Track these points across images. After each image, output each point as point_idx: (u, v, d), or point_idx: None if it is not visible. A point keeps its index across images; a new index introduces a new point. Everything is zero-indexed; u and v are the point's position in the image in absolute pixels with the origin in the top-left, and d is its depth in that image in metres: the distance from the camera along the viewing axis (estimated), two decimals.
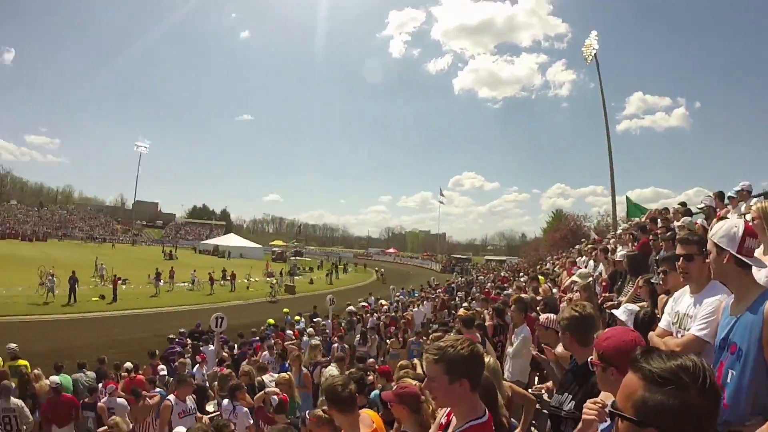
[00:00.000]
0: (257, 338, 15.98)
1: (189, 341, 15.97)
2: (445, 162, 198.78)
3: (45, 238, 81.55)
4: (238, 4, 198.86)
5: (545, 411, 4.40)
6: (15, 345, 11.91)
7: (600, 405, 2.24)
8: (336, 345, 13.65)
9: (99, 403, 9.39)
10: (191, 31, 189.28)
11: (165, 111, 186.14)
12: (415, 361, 8.24)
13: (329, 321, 19.84)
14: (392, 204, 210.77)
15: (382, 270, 65.13)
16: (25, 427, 8.61)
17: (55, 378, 9.84)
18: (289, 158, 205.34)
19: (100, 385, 10.28)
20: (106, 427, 8.03)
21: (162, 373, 11.18)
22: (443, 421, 2.75)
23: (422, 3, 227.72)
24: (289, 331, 17.34)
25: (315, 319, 20.00)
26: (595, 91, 52.21)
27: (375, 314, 20.28)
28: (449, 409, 2.68)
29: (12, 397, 8.60)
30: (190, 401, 7.94)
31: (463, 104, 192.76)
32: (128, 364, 11.69)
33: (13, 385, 9.36)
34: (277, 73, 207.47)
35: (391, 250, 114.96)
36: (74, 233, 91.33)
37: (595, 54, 47.76)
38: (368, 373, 8.25)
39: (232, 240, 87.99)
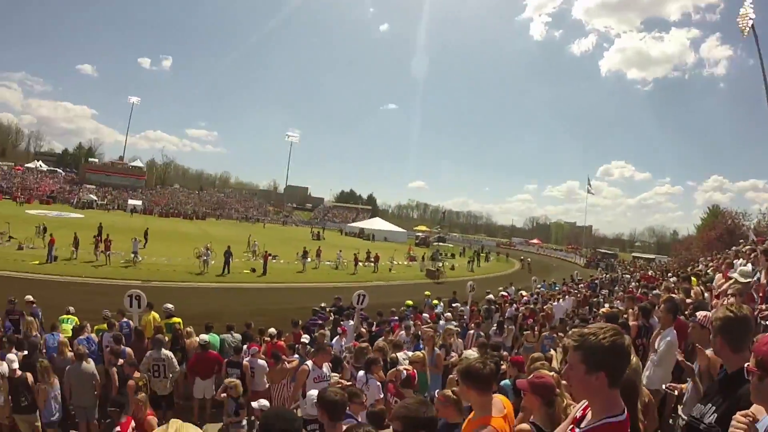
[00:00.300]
0: (396, 318, 15.92)
1: (331, 314, 16.30)
2: (593, 150, 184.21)
3: (204, 218, 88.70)
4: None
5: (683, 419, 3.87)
6: (171, 305, 12.82)
7: (751, 419, 2.03)
8: (472, 332, 13.30)
9: (243, 362, 9.85)
10: (335, 27, 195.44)
11: (313, 103, 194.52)
12: (551, 352, 7.74)
13: (467, 308, 19.33)
14: (537, 193, 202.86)
15: (529, 259, 63.17)
16: (171, 375, 9.24)
17: (204, 336, 10.54)
18: (433, 146, 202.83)
19: (244, 346, 10.72)
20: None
21: (304, 341, 11.42)
22: (578, 414, 2.49)
23: None
24: (425, 315, 17.15)
25: (453, 305, 19.67)
26: (755, 68, 46.01)
27: (514, 305, 19.54)
28: (586, 402, 2.35)
29: (163, 349, 9.25)
30: (326, 368, 7.95)
31: (610, 87, 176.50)
32: (272, 330, 12.12)
33: (167, 338, 10.12)
34: (417, 64, 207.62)
35: (535, 241, 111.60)
36: (230, 214, 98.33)
37: (752, 25, 40.77)
38: (501, 362, 7.88)
39: (377, 224, 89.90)
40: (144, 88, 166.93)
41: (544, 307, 18.64)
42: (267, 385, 9.59)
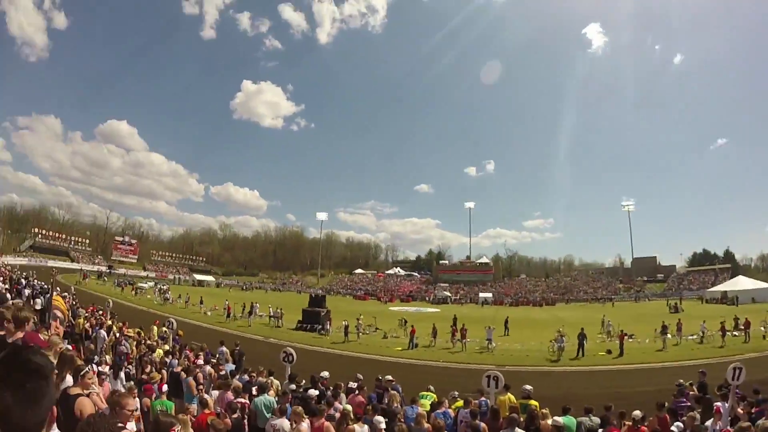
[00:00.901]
0: None
1: (697, 392, 14.16)
2: None
3: (553, 303, 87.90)
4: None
5: None
6: (530, 387, 12.55)
7: None
8: None
9: None
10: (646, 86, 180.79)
11: (643, 166, 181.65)
12: None
13: None
14: None
15: None
16: None
17: (559, 419, 9.90)
18: None
19: (600, 430, 9.77)
20: None
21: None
22: None
23: None
24: None
25: None
26: None
27: None
28: None
29: (517, 428, 8.92)
30: None
31: None
32: (636, 413, 10.85)
33: (521, 419, 9.76)
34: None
35: None
36: (579, 296, 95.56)
37: None
38: None
39: (740, 283, 76.67)
40: (476, 193, 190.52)
41: None
42: None
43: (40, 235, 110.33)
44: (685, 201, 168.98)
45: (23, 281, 34.50)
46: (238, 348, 19.77)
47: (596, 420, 10.77)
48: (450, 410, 10.84)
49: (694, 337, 34.71)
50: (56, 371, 5.57)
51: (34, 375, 1.55)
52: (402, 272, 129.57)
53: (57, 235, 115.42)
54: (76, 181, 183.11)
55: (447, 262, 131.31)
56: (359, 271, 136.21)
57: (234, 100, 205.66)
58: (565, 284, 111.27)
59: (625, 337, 30.69)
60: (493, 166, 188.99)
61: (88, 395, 5.47)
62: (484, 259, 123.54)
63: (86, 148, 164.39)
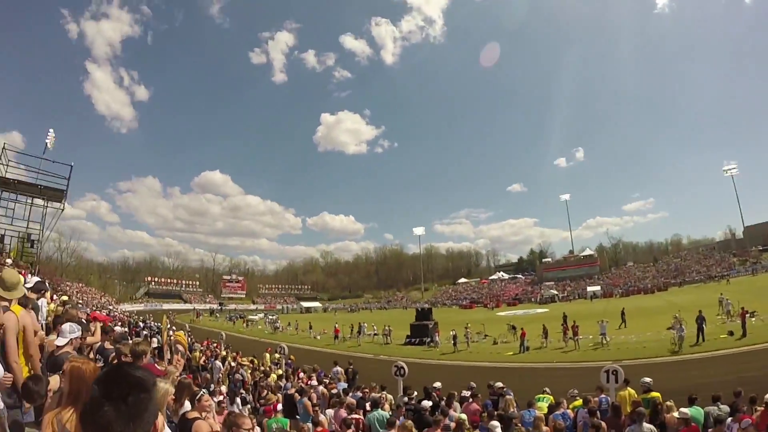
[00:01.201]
0: None
1: None
2: None
3: (665, 288, 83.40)
4: None
5: None
6: (650, 379, 12.07)
7: None
8: None
9: None
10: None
11: (739, 125, 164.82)
12: None
13: None
14: None
15: None
16: None
17: (685, 410, 9.62)
18: None
19: (729, 419, 9.32)
20: None
21: None
22: None
23: None
24: None
25: None
26: None
27: None
28: None
29: (645, 423, 8.64)
30: None
31: None
32: None
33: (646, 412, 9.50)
34: None
35: None
36: (692, 277, 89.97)
37: None
38: None
39: None
40: (569, 184, 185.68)
41: None
42: None
43: (153, 283, 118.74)
44: None
45: (141, 324, 36.88)
46: (351, 367, 20.40)
47: (725, 408, 10.36)
48: (569, 411, 10.69)
49: None
50: (174, 397, 6.11)
51: (135, 388, 1.58)
52: (506, 276, 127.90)
53: (168, 280, 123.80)
54: (180, 231, 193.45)
55: (550, 259, 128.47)
56: (462, 280, 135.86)
57: (316, 134, 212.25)
58: (675, 266, 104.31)
59: (747, 316, 28.75)
60: (582, 153, 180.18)
61: (204, 419, 5.88)
62: (588, 251, 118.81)
63: (186, 200, 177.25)
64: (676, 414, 9.71)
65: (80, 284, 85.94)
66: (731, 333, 28.11)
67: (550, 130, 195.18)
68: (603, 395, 11.79)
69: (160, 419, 1.73)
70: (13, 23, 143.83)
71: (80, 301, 37.90)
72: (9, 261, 16.75)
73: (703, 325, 27.79)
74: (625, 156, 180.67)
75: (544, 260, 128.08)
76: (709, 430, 9.64)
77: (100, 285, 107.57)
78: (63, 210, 37.44)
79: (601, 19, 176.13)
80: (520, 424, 9.99)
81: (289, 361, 22.56)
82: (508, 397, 11.78)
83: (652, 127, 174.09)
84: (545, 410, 11.26)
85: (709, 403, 10.63)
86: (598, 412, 9.92)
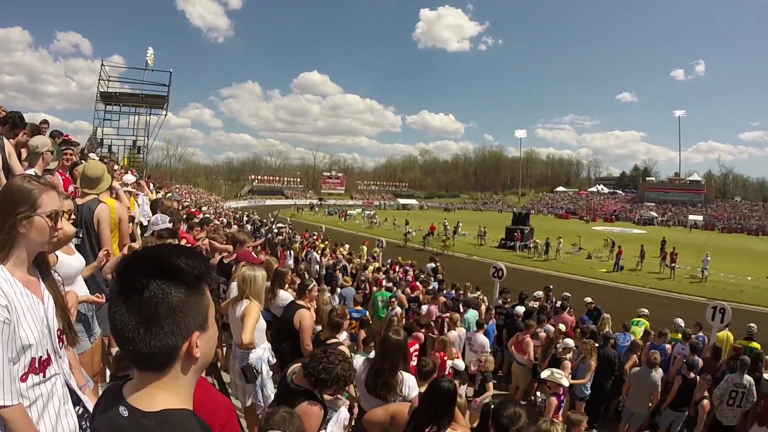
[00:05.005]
0: None
1: None
2: None
3: None
4: None
5: None
6: (755, 325, 11.04)
7: None
8: None
9: None
10: None
11: None
12: None
13: None
14: None
15: None
16: (748, 405, 7.91)
17: None
18: None
19: None
20: None
21: None
22: None
23: None
24: None
25: None
26: None
27: None
28: None
29: (746, 375, 8.11)
30: None
31: None
32: None
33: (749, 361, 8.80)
34: None
35: None
36: None
37: None
38: None
39: None
40: (685, 100, 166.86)
41: None
42: None
43: (256, 181, 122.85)
44: None
45: (245, 219, 38.52)
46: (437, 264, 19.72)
47: None
48: (666, 345, 10.09)
49: None
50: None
51: (156, 277, 1.07)
52: (605, 190, 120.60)
53: (271, 178, 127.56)
54: (282, 131, 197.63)
55: (654, 179, 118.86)
56: (560, 189, 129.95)
57: (416, 31, 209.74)
58: None
59: None
60: (703, 67, 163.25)
61: (309, 308, 5.94)
62: (695, 177, 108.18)
63: (286, 102, 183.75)
64: None
65: (189, 186, 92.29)
66: None
67: (669, 36, 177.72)
68: (701, 333, 11.00)
69: (211, 330, 1.19)
70: None
71: (187, 201, 39.41)
72: (116, 167, 17.47)
73: None
74: (751, 78, 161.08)
75: (647, 179, 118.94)
76: None
77: (207, 185, 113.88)
78: (166, 116, 38.02)
79: None
80: (614, 346, 9.68)
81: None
82: (606, 315, 11.41)
83: None
84: (639, 336, 10.77)
85: None
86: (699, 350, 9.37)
